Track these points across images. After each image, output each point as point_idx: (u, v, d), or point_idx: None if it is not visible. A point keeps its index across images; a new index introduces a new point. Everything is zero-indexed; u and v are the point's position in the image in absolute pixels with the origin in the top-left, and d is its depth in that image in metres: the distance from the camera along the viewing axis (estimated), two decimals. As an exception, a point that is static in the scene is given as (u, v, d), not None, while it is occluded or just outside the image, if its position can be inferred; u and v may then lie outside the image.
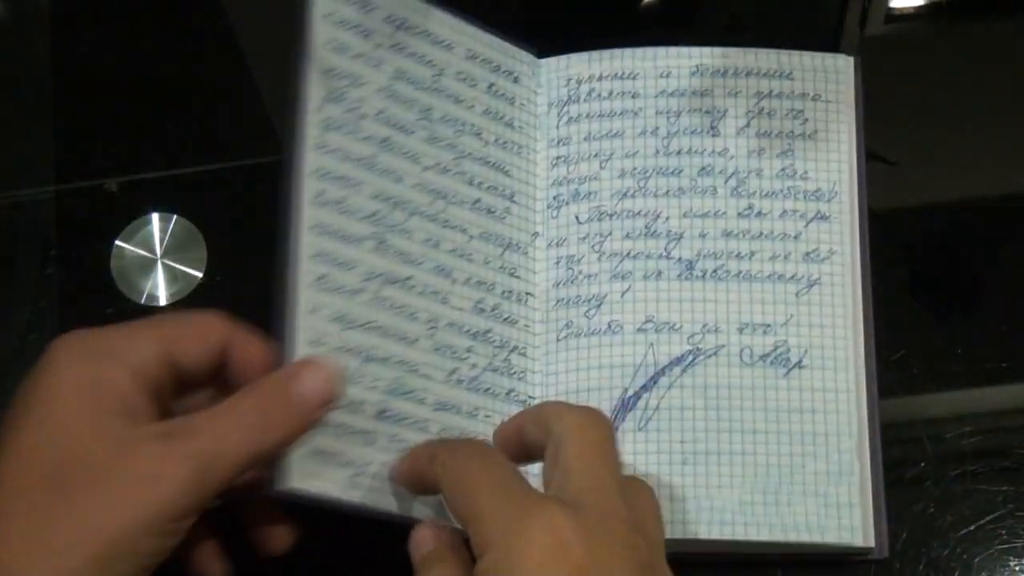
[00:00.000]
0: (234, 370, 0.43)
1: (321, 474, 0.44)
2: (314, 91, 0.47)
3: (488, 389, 0.49)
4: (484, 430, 0.49)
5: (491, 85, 0.52)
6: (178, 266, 0.54)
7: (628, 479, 0.41)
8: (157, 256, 0.54)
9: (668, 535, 0.46)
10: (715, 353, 0.50)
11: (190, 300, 0.53)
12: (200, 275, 0.54)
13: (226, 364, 0.43)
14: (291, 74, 0.47)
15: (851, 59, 0.53)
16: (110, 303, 0.54)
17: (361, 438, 0.45)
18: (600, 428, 0.40)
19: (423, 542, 0.42)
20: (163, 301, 0.54)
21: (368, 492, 0.45)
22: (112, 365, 0.40)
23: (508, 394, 0.50)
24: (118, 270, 0.54)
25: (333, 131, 0.47)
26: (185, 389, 0.43)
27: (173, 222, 0.55)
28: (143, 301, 0.54)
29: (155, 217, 0.55)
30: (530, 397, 0.50)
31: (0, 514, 0.37)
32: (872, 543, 0.48)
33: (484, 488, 0.39)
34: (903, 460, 0.51)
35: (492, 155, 0.52)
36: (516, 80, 0.53)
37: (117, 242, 0.54)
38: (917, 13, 0.59)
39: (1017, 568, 0.50)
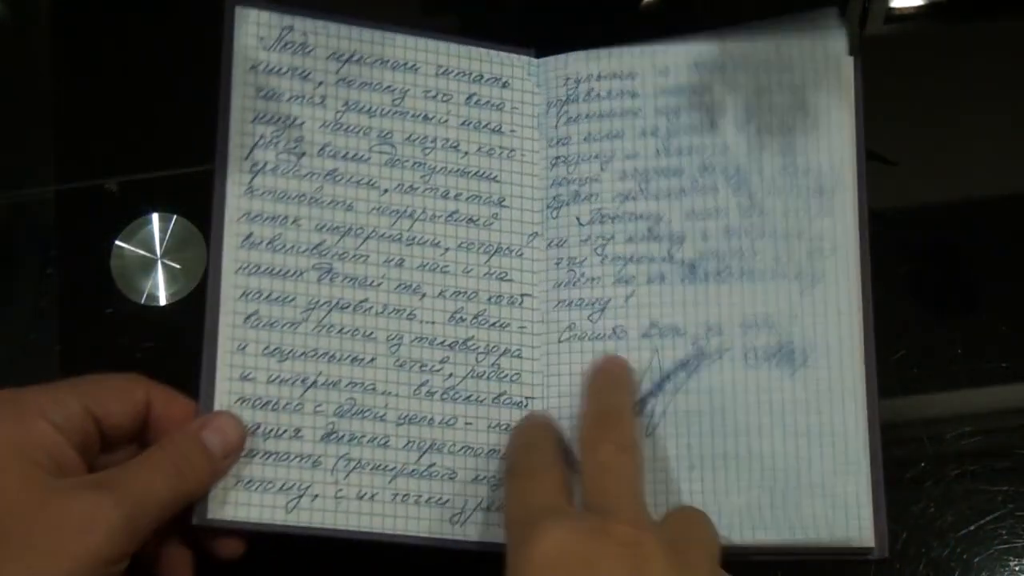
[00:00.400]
0: (155, 426, 0.46)
1: (248, 502, 0.47)
2: (237, 141, 0.50)
3: (470, 396, 0.50)
4: (464, 438, 0.49)
5: (470, 96, 0.52)
6: (178, 266, 0.54)
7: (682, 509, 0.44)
8: (157, 256, 0.54)
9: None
10: (720, 356, 0.50)
11: (190, 300, 0.53)
12: (200, 275, 0.54)
13: (148, 423, 0.46)
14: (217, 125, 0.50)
15: (843, 31, 0.52)
16: (110, 303, 0.54)
17: (302, 462, 0.48)
18: (616, 457, 0.43)
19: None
20: (163, 301, 0.54)
21: (317, 513, 0.48)
22: (38, 420, 0.42)
23: (498, 398, 0.50)
24: (118, 270, 0.54)
25: (264, 175, 0.50)
26: (110, 446, 0.45)
27: (173, 222, 0.55)
28: (143, 301, 0.54)
29: (155, 217, 0.55)
30: (527, 398, 0.50)
31: None
32: (873, 542, 0.48)
33: (511, 496, 0.44)
34: (903, 460, 0.51)
35: (473, 165, 0.52)
36: (505, 85, 0.53)
37: (117, 242, 0.54)
38: (917, 13, 0.59)
39: (1017, 568, 0.50)
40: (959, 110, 0.56)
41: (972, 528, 0.50)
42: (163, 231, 0.54)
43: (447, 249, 0.51)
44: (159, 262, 0.54)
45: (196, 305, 0.52)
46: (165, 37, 0.58)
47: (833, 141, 0.52)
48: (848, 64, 0.52)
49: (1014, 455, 0.51)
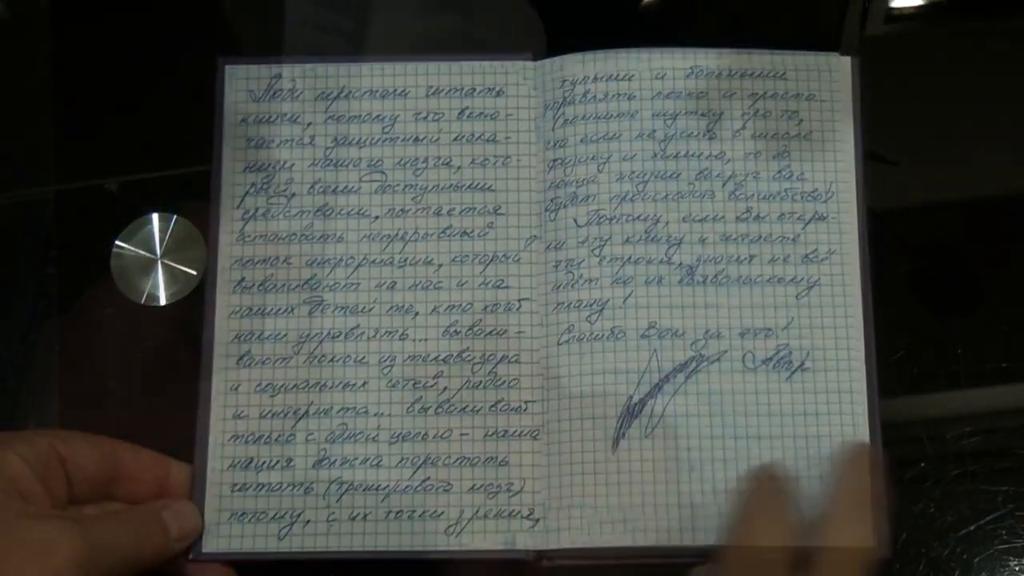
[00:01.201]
0: (125, 482, 0.47)
1: (240, 534, 0.49)
2: (228, 192, 0.52)
3: (465, 407, 0.50)
4: (459, 449, 0.50)
5: (462, 111, 0.53)
6: (178, 266, 0.54)
7: None
8: (157, 256, 0.54)
9: (677, 542, 0.47)
10: (718, 359, 0.50)
11: (190, 300, 0.53)
12: (200, 275, 0.54)
13: (118, 479, 0.47)
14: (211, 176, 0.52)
15: (846, 58, 0.53)
16: (110, 303, 0.54)
17: (294, 490, 0.49)
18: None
19: None
20: (163, 301, 0.54)
21: (309, 538, 0.49)
22: (4, 452, 0.43)
23: (495, 406, 0.50)
24: (118, 270, 0.54)
25: (255, 220, 0.52)
26: (78, 496, 0.46)
27: (173, 222, 0.55)
28: (143, 301, 0.54)
29: (155, 217, 0.55)
30: (527, 402, 0.50)
31: None
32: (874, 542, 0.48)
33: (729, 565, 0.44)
34: (903, 460, 0.51)
35: (467, 178, 0.52)
36: (499, 94, 0.53)
37: (117, 242, 0.54)
38: (917, 13, 0.59)
39: (1017, 568, 0.50)
40: (959, 110, 0.56)
41: (972, 528, 0.50)
42: (163, 231, 0.54)
43: (440, 265, 0.51)
44: (159, 262, 0.54)
45: (196, 305, 0.52)
46: (165, 37, 0.58)
47: (828, 146, 0.52)
48: (847, 66, 0.53)
49: (1014, 455, 0.51)
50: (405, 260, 0.51)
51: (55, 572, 0.41)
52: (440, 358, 0.50)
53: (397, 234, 0.52)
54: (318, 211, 0.52)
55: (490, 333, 0.51)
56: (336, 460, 0.49)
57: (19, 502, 0.43)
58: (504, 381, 0.50)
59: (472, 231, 0.52)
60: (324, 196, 0.52)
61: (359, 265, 0.51)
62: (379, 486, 0.49)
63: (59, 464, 0.45)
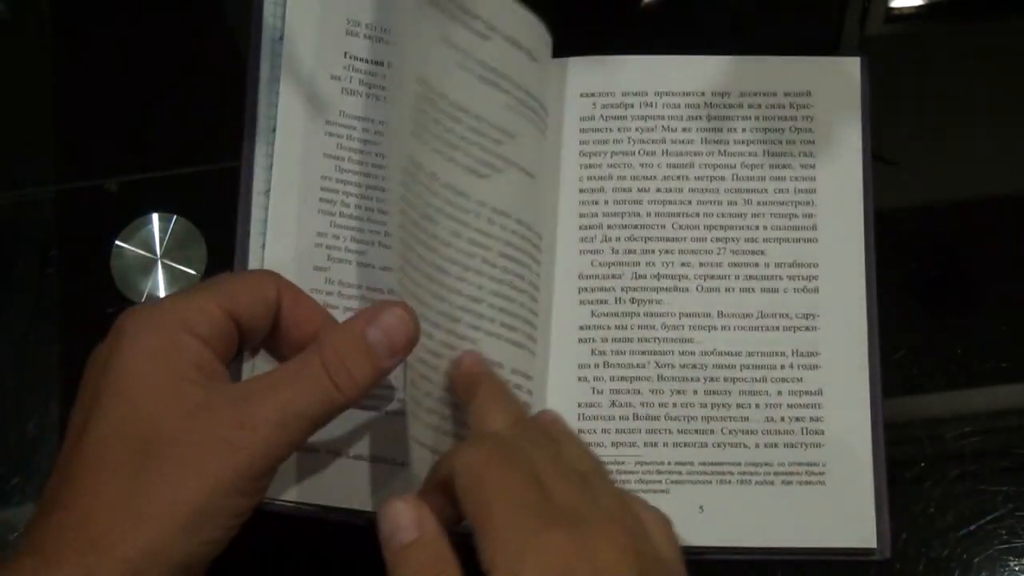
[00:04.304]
0: (283, 325, 0.44)
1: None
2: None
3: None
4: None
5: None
6: (178, 266, 0.54)
7: (632, 497, 0.41)
8: (157, 256, 0.54)
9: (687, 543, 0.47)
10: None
11: (190, 300, 0.53)
12: (200, 275, 0.54)
13: (277, 321, 0.44)
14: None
15: (854, 59, 0.53)
16: (110, 303, 0.54)
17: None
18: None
19: (404, 526, 0.39)
20: (163, 301, 0.53)
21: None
22: (183, 333, 0.40)
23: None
24: (118, 270, 0.54)
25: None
26: (247, 342, 0.44)
27: (173, 222, 0.55)
28: (143, 301, 0.53)
29: (155, 217, 0.55)
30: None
31: (88, 488, 0.38)
32: (875, 544, 0.48)
33: (499, 501, 0.37)
34: (903, 460, 0.51)
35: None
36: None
37: (117, 242, 0.54)
38: (917, 13, 0.59)
39: (1017, 568, 0.50)
40: (959, 110, 0.56)
41: (972, 528, 0.50)
42: (163, 231, 0.54)
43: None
44: (159, 262, 0.54)
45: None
46: (165, 37, 0.58)
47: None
48: (856, 67, 0.52)
49: (1014, 455, 0.51)
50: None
51: (240, 468, 0.39)
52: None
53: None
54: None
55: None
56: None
57: (201, 391, 0.40)
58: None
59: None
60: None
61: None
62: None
63: (235, 328, 0.42)
